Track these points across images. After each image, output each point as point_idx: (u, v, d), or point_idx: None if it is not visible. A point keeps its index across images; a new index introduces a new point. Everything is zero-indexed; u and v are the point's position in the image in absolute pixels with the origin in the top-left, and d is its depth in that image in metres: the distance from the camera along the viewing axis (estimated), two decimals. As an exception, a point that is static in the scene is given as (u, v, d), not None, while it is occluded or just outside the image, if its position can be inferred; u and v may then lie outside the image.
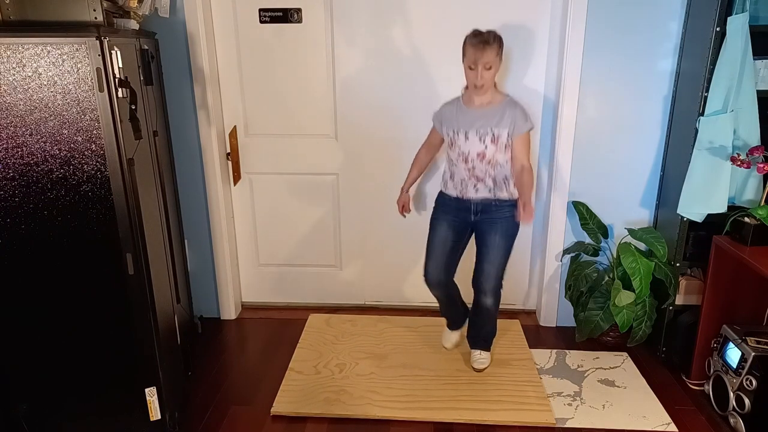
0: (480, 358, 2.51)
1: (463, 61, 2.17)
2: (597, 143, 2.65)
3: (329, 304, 3.16)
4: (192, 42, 2.60)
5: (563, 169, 2.69)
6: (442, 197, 2.40)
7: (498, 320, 2.93)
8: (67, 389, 1.99)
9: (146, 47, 2.10)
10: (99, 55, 1.68)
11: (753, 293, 2.31)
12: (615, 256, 2.67)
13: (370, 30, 2.67)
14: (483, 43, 2.08)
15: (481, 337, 2.52)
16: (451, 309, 2.58)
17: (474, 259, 2.39)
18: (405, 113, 2.78)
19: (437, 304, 3.08)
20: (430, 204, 2.83)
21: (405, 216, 2.49)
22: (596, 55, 2.53)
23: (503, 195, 2.28)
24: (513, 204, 2.29)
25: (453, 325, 2.66)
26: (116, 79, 1.73)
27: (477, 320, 2.49)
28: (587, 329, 2.60)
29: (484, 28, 2.16)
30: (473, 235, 2.41)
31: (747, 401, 2.05)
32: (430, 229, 2.41)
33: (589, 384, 2.44)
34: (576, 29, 2.48)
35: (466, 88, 2.28)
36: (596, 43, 2.51)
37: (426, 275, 2.43)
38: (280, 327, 2.95)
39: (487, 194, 2.28)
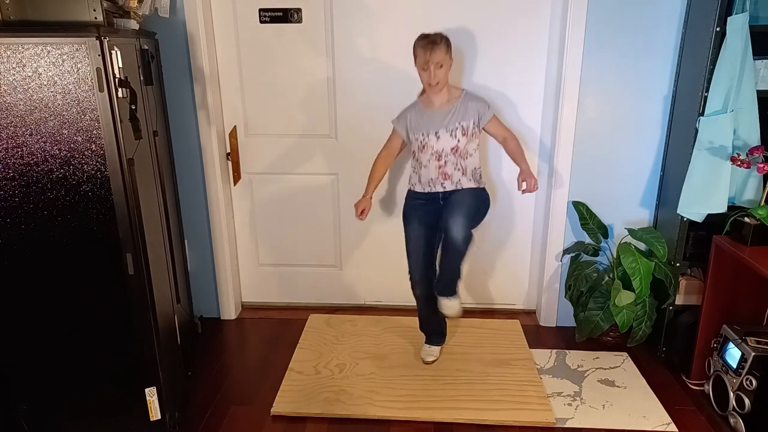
0: (448, 303, 2.34)
1: (415, 64, 2.25)
2: (597, 143, 2.65)
3: (329, 304, 3.16)
4: (192, 42, 2.60)
5: (563, 169, 2.69)
6: (411, 194, 2.45)
7: (498, 320, 2.94)
8: (67, 389, 1.99)
9: (146, 47, 2.10)
10: (99, 55, 1.68)
11: (753, 293, 2.31)
12: (615, 256, 2.67)
13: (370, 30, 2.67)
14: (431, 43, 2.17)
15: (445, 281, 2.34)
16: (432, 315, 2.52)
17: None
18: (405, 113, 2.78)
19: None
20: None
21: (362, 219, 2.46)
22: (596, 55, 2.53)
23: (470, 185, 2.35)
24: (479, 187, 2.38)
25: (434, 339, 2.64)
26: (116, 79, 1.73)
27: (444, 264, 2.32)
28: (587, 329, 2.60)
29: (438, 31, 2.23)
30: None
31: (747, 401, 2.05)
32: (405, 230, 2.45)
33: (589, 384, 2.44)
34: (576, 29, 2.48)
35: (423, 92, 2.37)
36: (596, 43, 2.51)
37: (411, 275, 2.47)
38: (280, 327, 2.95)
39: (452, 188, 2.35)
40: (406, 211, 2.45)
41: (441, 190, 2.35)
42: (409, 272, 2.48)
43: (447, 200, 2.35)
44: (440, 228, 2.35)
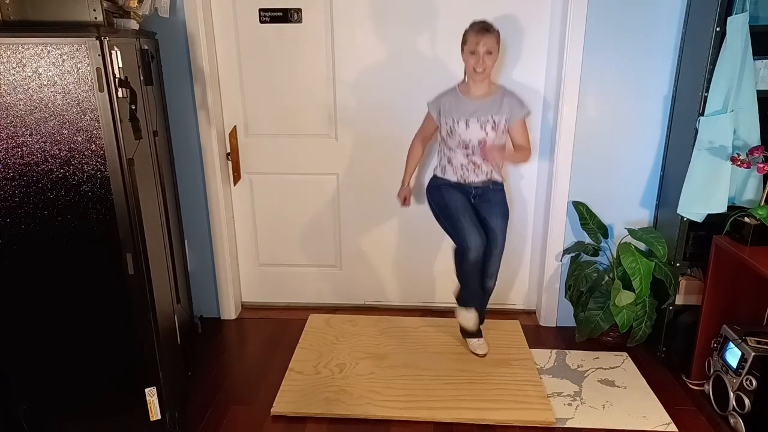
0: (480, 343, 2.60)
1: (462, 50, 2.28)
2: (597, 143, 2.65)
3: (329, 304, 3.16)
4: (192, 42, 2.60)
5: (563, 169, 2.69)
6: (439, 180, 2.46)
7: (498, 320, 2.95)
8: (67, 389, 1.99)
9: (146, 47, 2.10)
10: (99, 55, 1.68)
11: (753, 293, 2.31)
12: (615, 256, 2.67)
13: (370, 30, 2.67)
14: (484, 29, 2.20)
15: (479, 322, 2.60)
16: (479, 284, 2.49)
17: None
18: (405, 113, 2.78)
19: (438, 304, 3.09)
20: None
21: (408, 206, 2.56)
22: (596, 55, 2.53)
23: (498, 178, 2.44)
24: (503, 189, 2.47)
25: (472, 301, 2.53)
26: (116, 79, 1.73)
27: (490, 266, 2.50)
28: (587, 329, 2.60)
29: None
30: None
31: (747, 401, 2.05)
32: (445, 205, 2.39)
33: (589, 384, 2.44)
34: (576, 29, 2.48)
35: (463, 82, 2.40)
36: (596, 43, 2.51)
37: (466, 243, 2.32)
38: (280, 327, 2.95)
39: (484, 177, 2.39)
40: (437, 190, 2.44)
41: (474, 179, 2.39)
42: (462, 241, 2.33)
43: (481, 200, 2.41)
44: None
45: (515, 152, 2.39)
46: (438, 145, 2.50)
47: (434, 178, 2.50)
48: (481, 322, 2.62)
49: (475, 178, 2.39)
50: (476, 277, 2.46)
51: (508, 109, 2.31)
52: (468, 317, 2.56)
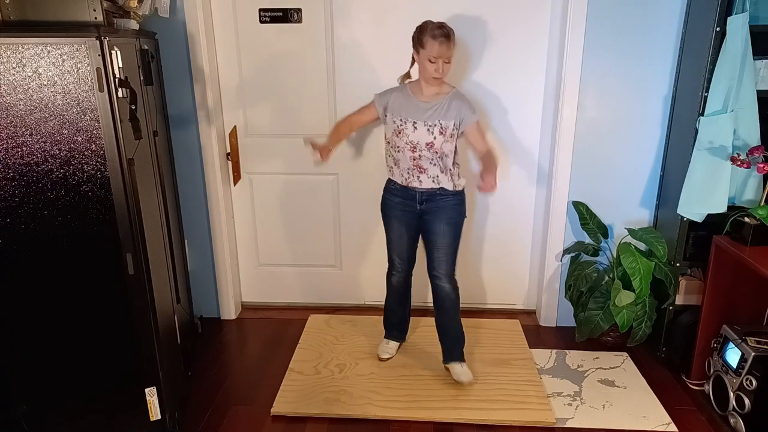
0: (462, 370, 2.39)
1: (416, 50, 2.17)
2: (597, 143, 2.65)
3: (329, 304, 3.16)
4: (192, 42, 2.60)
5: (563, 169, 2.68)
6: (389, 185, 2.41)
7: (498, 320, 2.94)
8: (67, 389, 1.99)
9: (146, 47, 2.10)
10: (99, 55, 1.68)
11: (753, 293, 2.31)
12: (615, 256, 2.67)
13: (369, 30, 2.67)
14: (446, 37, 2.09)
15: (452, 343, 2.43)
16: (399, 306, 2.60)
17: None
18: (405, 113, 2.78)
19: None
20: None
21: (324, 161, 2.32)
22: (596, 55, 2.53)
23: (448, 185, 2.29)
24: (456, 194, 2.32)
25: (395, 333, 2.66)
26: (116, 79, 1.73)
27: (442, 318, 2.41)
28: (587, 329, 2.60)
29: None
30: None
31: (747, 401, 2.05)
32: (384, 223, 2.47)
33: (589, 384, 2.44)
34: (576, 29, 2.48)
35: (406, 76, 2.34)
36: (596, 43, 2.51)
37: (391, 263, 2.51)
38: (280, 327, 2.95)
39: (431, 184, 2.28)
40: (384, 205, 2.43)
41: (418, 185, 2.28)
42: (390, 260, 2.51)
43: (426, 215, 2.33)
44: (428, 272, 2.39)
45: (485, 163, 2.21)
46: (385, 145, 2.37)
47: (387, 181, 2.42)
48: (458, 348, 2.43)
49: (419, 184, 2.28)
50: (395, 306, 2.60)
51: (456, 114, 2.21)
52: (387, 348, 2.62)
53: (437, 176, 2.27)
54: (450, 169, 2.28)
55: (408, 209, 2.36)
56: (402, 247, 2.46)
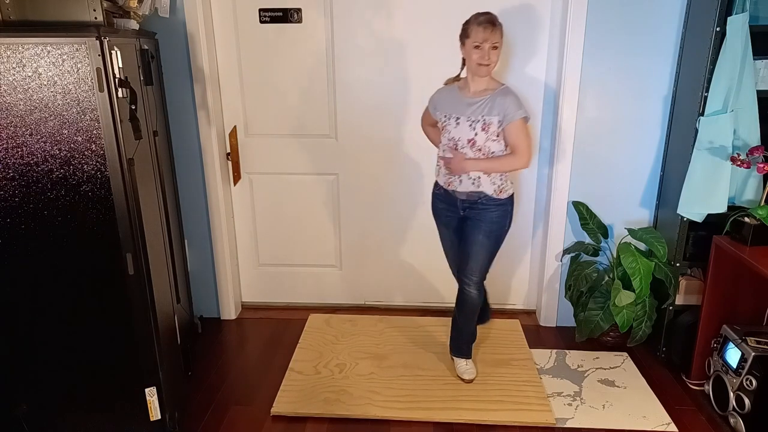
0: (467, 367, 2.44)
1: (462, 43, 2.14)
2: (597, 143, 2.65)
3: (329, 304, 3.16)
4: (192, 42, 2.60)
5: (563, 169, 2.68)
6: (435, 188, 2.39)
7: (498, 320, 2.94)
8: (67, 389, 1.99)
9: (146, 47, 2.10)
10: (99, 55, 1.68)
11: (753, 293, 2.31)
12: (615, 256, 2.66)
13: (370, 30, 2.67)
14: (490, 23, 2.06)
15: (463, 341, 2.46)
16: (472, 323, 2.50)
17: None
18: (405, 113, 2.78)
19: (438, 304, 3.09)
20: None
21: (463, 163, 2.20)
22: (596, 55, 2.52)
23: (489, 191, 2.20)
24: (501, 204, 2.23)
25: (465, 348, 2.49)
26: (116, 79, 1.73)
27: (460, 317, 2.42)
28: (587, 329, 2.60)
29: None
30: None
31: (747, 401, 2.05)
32: (436, 225, 2.46)
33: (589, 384, 2.44)
34: (576, 29, 2.48)
35: (457, 78, 2.28)
36: (596, 43, 2.51)
37: (454, 273, 2.49)
38: (280, 327, 2.95)
39: (470, 187, 2.20)
40: (433, 207, 2.43)
41: (457, 187, 2.21)
42: (454, 275, 2.49)
43: (467, 222, 2.27)
44: (460, 262, 2.36)
45: (498, 158, 2.16)
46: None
47: (434, 184, 2.39)
48: (467, 346, 2.47)
49: (458, 185, 2.21)
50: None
51: (500, 110, 2.11)
52: (467, 370, 2.45)
53: (478, 177, 2.18)
54: (497, 174, 2.21)
55: (452, 214, 2.34)
56: (450, 252, 2.44)
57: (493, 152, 2.17)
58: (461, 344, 2.48)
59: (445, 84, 2.32)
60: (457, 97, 2.22)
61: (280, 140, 2.88)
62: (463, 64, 2.26)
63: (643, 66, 2.52)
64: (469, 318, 2.41)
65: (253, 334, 2.89)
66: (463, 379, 2.42)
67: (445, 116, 2.22)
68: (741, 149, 2.20)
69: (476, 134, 2.14)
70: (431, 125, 2.43)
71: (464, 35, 2.13)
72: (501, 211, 2.24)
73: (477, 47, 2.08)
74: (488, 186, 2.20)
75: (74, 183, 1.79)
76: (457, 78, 2.30)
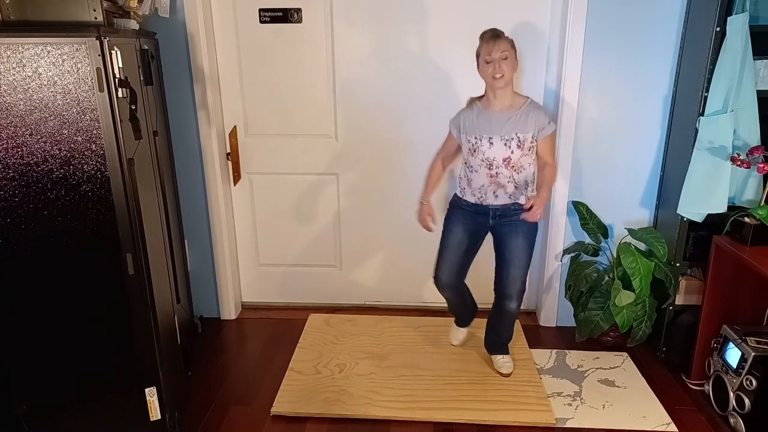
0: (505, 362, 2.48)
1: (478, 65, 2.16)
2: (597, 143, 2.65)
3: (329, 304, 3.16)
4: (192, 42, 2.60)
5: (563, 169, 2.68)
6: (458, 201, 2.35)
7: (498, 320, 2.94)
8: (67, 389, 1.99)
9: (146, 47, 2.10)
10: (99, 55, 1.68)
11: (753, 293, 2.31)
12: (615, 256, 2.66)
13: (370, 30, 2.67)
14: (494, 36, 2.10)
15: (502, 342, 2.52)
16: (461, 307, 2.56)
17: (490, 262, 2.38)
18: (405, 113, 2.78)
19: (437, 304, 3.09)
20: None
21: (432, 230, 2.35)
22: (596, 55, 2.53)
23: (523, 200, 2.24)
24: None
25: (462, 322, 2.66)
26: (116, 79, 1.73)
27: (499, 326, 2.46)
28: (587, 329, 2.60)
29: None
30: (490, 238, 2.35)
31: (747, 401, 2.05)
32: (444, 230, 2.36)
33: (589, 384, 2.44)
34: (576, 29, 2.48)
35: (481, 97, 2.25)
36: (596, 43, 2.51)
37: (437, 277, 2.38)
38: (280, 327, 2.95)
39: (506, 200, 2.24)
40: (453, 212, 2.35)
41: (493, 201, 2.23)
42: (436, 274, 2.38)
43: (499, 229, 2.27)
44: (495, 288, 2.36)
45: (543, 179, 2.18)
46: (461, 167, 2.34)
47: (454, 197, 2.37)
48: (505, 345, 2.52)
49: (494, 200, 2.23)
50: (454, 302, 2.52)
51: (534, 125, 2.14)
52: (454, 333, 2.69)
53: (513, 193, 2.22)
54: (527, 183, 2.22)
55: (479, 221, 2.29)
56: (454, 257, 2.33)
57: (522, 166, 2.19)
58: (500, 343, 2.53)
59: (468, 104, 2.29)
60: (484, 117, 2.19)
61: (280, 140, 2.88)
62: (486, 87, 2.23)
63: (643, 66, 2.52)
64: (509, 325, 2.46)
65: (253, 334, 2.89)
66: (501, 373, 2.47)
67: (476, 138, 2.19)
68: (741, 149, 2.20)
69: (512, 152, 2.16)
70: (452, 155, 2.38)
71: (477, 57, 2.16)
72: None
73: (488, 62, 2.10)
74: (523, 198, 2.25)
75: (74, 183, 1.79)
76: (479, 97, 2.27)
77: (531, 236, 2.27)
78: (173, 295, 2.35)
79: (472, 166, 2.24)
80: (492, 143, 2.16)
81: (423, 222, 2.36)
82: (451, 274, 2.36)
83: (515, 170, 2.19)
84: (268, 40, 2.72)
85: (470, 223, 2.31)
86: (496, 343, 2.52)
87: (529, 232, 2.26)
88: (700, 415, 2.25)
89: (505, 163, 2.17)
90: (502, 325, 2.45)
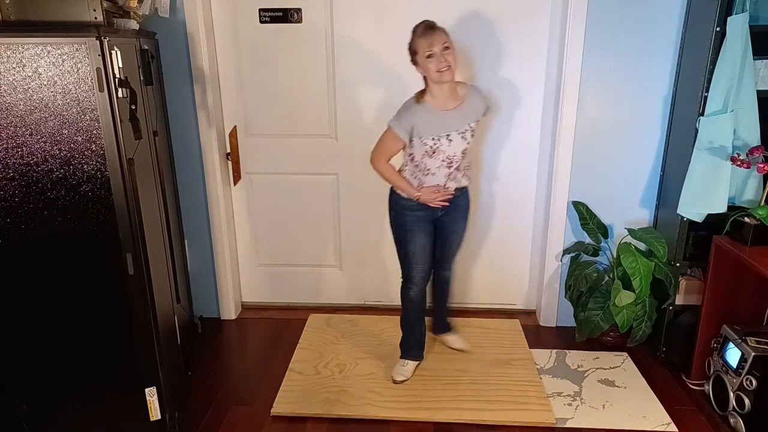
0: (456, 338, 2.65)
1: (415, 62, 2.07)
2: (597, 143, 2.65)
3: (329, 304, 3.16)
4: (192, 42, 2.60)
5: (563, 169, 2.68)
6: (406, 203, 2.24)
7: (498, 320, 2.95)
8: (67, 389, 1.99)
9: (146, 47, 2.10)
10: (99, 55, 1.68)
11: (753, 293, 2.31)
12: (615, 256, 2.66)
13: (370, 30, 2.67)
14: (429, 27, 2.02)
15: (446, 318, 2.67)
16: (420, 321, 2.45)
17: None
18: (405, 113, 2.78)
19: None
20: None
21: (454, 193, 2.24)
22: (596, 55, 2.52)
23: (466, 182, 2.32)
24: (465, 187, 2.34)
25: (415, 351, 2.47)
26: (116, 79, 1.73)
27: (444, 300, 2.62)
28: (587, 329, 2.60)
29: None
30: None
31: (747, 401, 2.05)
32: (408, 238, 2.27)
33: (589, 384, 2.44)
34: (576, 29, 2.48)
35: (422, 94, 2.14)
36: (596, 43, 2.51)
37: (413, 278, 2.33)
38: (280, 327, 2.95)
39: (454, 187, 2.28)
40: (404, 221, 2.26)
41: (450, 188, 2.27)
42: (410, 276, 2.33)
43: (445, 217, 2.32)
44: (435, 255, 2.40)
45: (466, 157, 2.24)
46: (404, 168, 2.25)
47: (400, 198, 2.25)
48: (447, 315, 2.67)
49: (452, 186, 2.26)
50: (417, 322, 2.43)
51: (478, 109, 2.20)
52: (403, 370, 2.42)
53: (461, 179, 2.29)
54: (467, 166, 2.32)
55: (430, 218, 2.30)
56: (425, 259, 2.31)
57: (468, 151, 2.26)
58: (448, 321, 2.68)
59: (414, 103, 2.13)
60: (437, 116, 2.11)
61: (280, 140, 2.88)
62: (426, 83, 2.14)
63: (643, 66, 2.52)
64: (450, 295, 2.63)
65: (253, 334, 2.89)
66: (463, 349, 2.60)
67: (433, 139, 2.11)
68: (741, 149, 2.20)
69: (468, 142, 2.21)
70: (393, 156, 2.22)
71: (413, 54, 2.07)
72: (467, 194, 2.38)
73: (429, 56, 2.00)
74: (465, 179, 2.32)
75: (74, 183, 1.79)
76: (422, 93, 2.15)
77: (468, 217, 2.41)
78: (173, 295, 2.35)
79: (429, 169, 2.17)
80: (451, 140, 2.13)
81: (441, 199, 2.23)
82: (426, 272, 2.37)
83: (464, 156, 2.24)
84: (268, 40, 2.72)
85: (425, 225, 2.29)
86: (444, 320, 2.67)
87: (467, 214, 2.40)
88: (700, 415, 2.25)
89: (463, 154, 2.22)
90: (446, 296, 2.60)
